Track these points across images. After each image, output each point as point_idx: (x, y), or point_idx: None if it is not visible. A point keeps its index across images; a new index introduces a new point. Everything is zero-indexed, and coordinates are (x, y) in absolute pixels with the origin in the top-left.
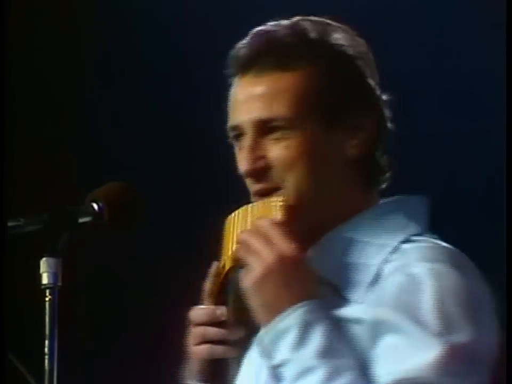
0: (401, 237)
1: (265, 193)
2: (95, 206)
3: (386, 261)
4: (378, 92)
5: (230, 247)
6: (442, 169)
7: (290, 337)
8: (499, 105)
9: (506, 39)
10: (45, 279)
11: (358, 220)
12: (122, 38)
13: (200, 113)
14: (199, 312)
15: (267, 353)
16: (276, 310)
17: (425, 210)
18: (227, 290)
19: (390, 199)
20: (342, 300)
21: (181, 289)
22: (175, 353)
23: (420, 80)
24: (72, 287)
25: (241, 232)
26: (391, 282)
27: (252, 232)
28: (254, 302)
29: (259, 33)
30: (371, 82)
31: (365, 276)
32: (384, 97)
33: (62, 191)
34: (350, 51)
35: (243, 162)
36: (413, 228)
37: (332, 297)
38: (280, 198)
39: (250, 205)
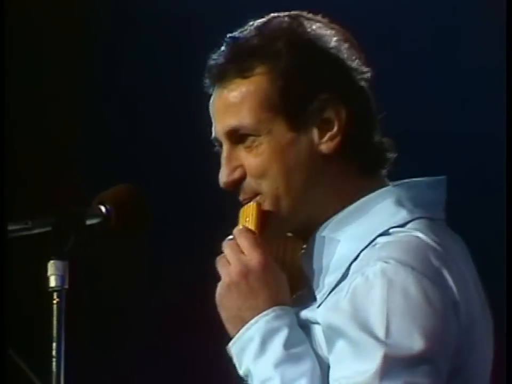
0: (380, 230)
1: (247, 202)
2: (103, 208)
3: (356, 259)
4: (360, 75)
5: None
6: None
7: (253, 347)
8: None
9: (506, 40)
10: (52, 282)
11: (343, 214)
12: (128, 38)
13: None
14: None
15: (237, 363)
16: (242, 320)
17: (436, 193)
18: None
19: (393, 184)
20: (313, 302)
21: (187, 291)
22: (181, 356)
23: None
24: (79, 289)
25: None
26: (349, 283)
27: (228, 241)
28: (221, 315)
29: (227, 42)
30: (348, 68)
31: (333, 277)
32: (363, 81)
33: (69, 193)
34: (319, 42)
35: (221, 175)
36: (398, 219)
37: (309, 297)
38: (253, 203)
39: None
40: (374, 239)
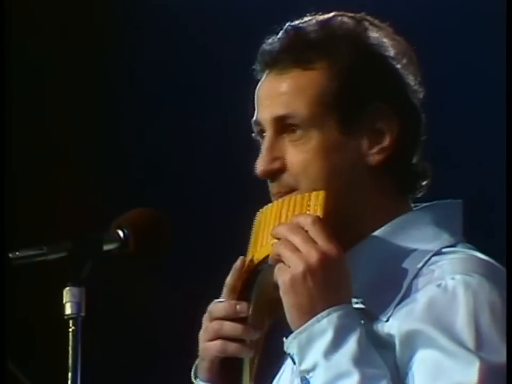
0: (433, 249)
1: (281, 195)
2: (120, 232)
3: (416, 276)
4: (414, 93)
5: (260, 241)
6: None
7: (325, 341)
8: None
9: (506, 42)
10: (68, 309)
11: (386, 231)
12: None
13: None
14: (218, 305)
15: (300, 355)
16: (310, 311)
17: (459, 217)
18: (251, 287)
19: (420, 206)
20: (369, 316)
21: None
22: None
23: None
24: (95, 316)
25: (279, 226)
26: (422, 295)
27: (292, 227)
28: (289, 300)
29: (287, 30)
30: (405, 83)
31: (394, 294)
32: (418, 99)
33: (86, 218)
34: (379, 50)
35: (260, 163)
36: (445, 239)
37: (360, 311)
38: (322, 191)
39: (284, 198)
40: (430, 258)
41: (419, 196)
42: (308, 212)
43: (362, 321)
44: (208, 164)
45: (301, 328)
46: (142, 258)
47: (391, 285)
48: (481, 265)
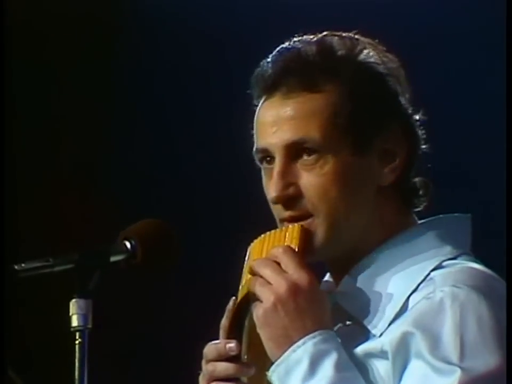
0: (433, 264)
1: (294, 220)
2: (128, 244)
3: (414, 291)
4: (410, 110)
5: (244, 277)
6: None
7: (301, 370)
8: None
9: (506, 41)
10: (74, 322)
11: (388, 247)
12: (155, 68)
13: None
14: (210, 347)
15: None
16: (287, 341)
17: (465, 229)
18: (241, 324)
19: (424, 220)
20: (365, 334)
21: (214, 330)
22: None
23: None
24: (102, 329)
25: (254, 261)
26: (414, 309)
27: (264, 261)
28: (265, 334)
29: (284, 51)
30: (402, 100)
31: (390, 311)
32: (416, 116)
33: (92, 229)
34: (380, 69)
35: (273, 188)
36: (446, 252)
37: (355, 329)
38: (297, 225)
39: (268, 233)
40: (429, 273)
41: (420, 209)
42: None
43: (353, 339)
44: (219, 173)
45: (278, 360)
46: (149, 270)
47: (389, 301)
48: (473, 276)
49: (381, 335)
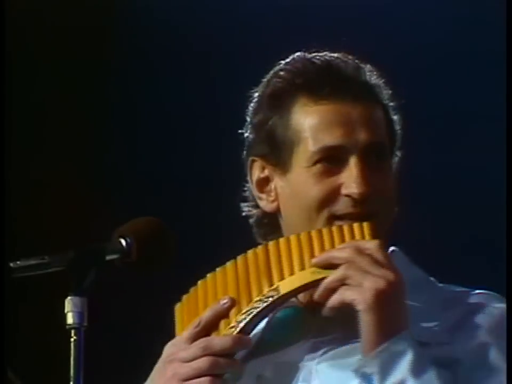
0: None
1: (360, 218)
2: (123, 242)
3: (455, 303)
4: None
5: (287, 270)
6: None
7: (409, 358)
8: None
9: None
10: (70, 319)
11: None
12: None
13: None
14: (203, 317)
15: (382, 373)
16: (391, 330)
17: None
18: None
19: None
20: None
21: None
22: None
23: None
24: (98, 327)
25: (335, 251)
26: (478, 320)
27: (356, 251)
28: (373, 317)
29: (336, 62)
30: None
31: (449, 318)
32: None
33: (88, 227)
34: (385, 93)
35: (357, 184)
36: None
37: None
38: (369, 222)
39: (324, 228)
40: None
41: None
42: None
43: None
44: (213, 173)
45: (382, 347)
46: (145, 268)
47: (437, 312)
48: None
49: (447, 343)
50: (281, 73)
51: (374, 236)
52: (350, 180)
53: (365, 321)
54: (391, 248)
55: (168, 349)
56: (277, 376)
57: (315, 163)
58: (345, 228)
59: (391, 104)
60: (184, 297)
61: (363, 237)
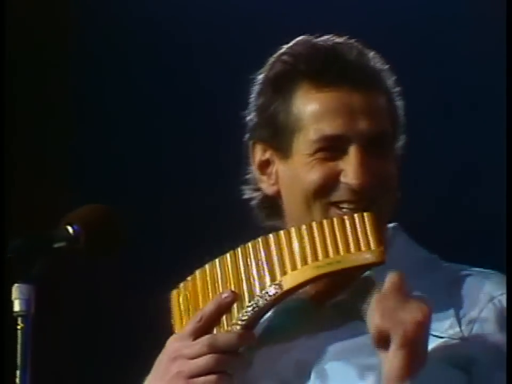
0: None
1: (358, 205)
2: (70, 229)
3: (462, 295)
4: None
5: (290, 263)
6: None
7: None
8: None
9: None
10: (16, 306)
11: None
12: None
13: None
14: (205, 309)
15: None
16: (417, 363)
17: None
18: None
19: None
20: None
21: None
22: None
23: None
24: (49, 314)
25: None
26: (487, 313)
27: (397, 286)
28: (410, 349)
29: (339, 48)
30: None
31: (458, 307)
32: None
33: (38, 213)
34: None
35: (355, 174)
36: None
37: None
38: (369, 212)
39: (325, 220)
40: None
41: None
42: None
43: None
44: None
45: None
46: (94, 255)
47: (443, 299)
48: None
49: (460, 338)
50: (284, 57)
51: (375, 226)
52: (349, 168)
53: (394, 356)
54: (391, 225)
55: (171, 344)
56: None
57: (315, 151)
58: (347, 219)
59: (395, 90)
60: (181, 284)
61: (364, 228)
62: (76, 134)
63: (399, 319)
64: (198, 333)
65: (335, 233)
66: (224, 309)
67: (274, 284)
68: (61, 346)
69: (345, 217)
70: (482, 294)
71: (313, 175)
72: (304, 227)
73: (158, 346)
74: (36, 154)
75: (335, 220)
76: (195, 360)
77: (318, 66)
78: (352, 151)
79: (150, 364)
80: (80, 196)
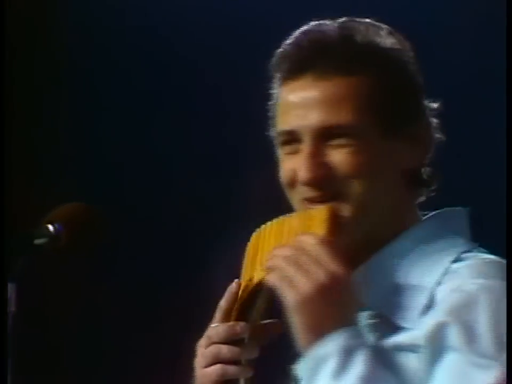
0: (451, 256)
1: (322, 201)
2: (51, 227)
3: (439, 283)
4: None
5: (259, 261)
6: None
7: (331, 365)
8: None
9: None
10: None
11: (406, 238)
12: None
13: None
14: (217, 329)
15: (309, 379)
16: (319, 331)
17: (468, 224)
18: (250, 308)
19: (433, 213)
20: (391, 327)
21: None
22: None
23: None
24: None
25: (281, 246)
26: (446, 302)
27: (297, 247)
28: (298, 321)
29: (309, 34)
30: (422, 85)
31: (418, 300)
32: (432, 104)
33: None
34: (403, 56)
35: (304, 170)
36: (462, 245)
37: (379, 323)
38: (325, 206)
39: (284, 217)
40: (449, 266)
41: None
42: (310, 230)
43: (378, 333)
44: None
45: (308, 351)
46: (75, 253)
47: (414, 293)
48: (498, 269)
49: (413, 328)
50: (278, 50)
51: (330, 221)
52: (299, 165)
53: (292, 324)
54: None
55: (199, 347)
56: None
57: (281, 146)
58: (302, 214)
59: (402, 68)
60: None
61: (312, 227)
62: (70, 130)
63: (291, 286)
64: (215, 334)
65: (303, 226)
66: (233, 300)
67: (249, 280)
68: (42, 345)
69: (298, 213)
70: (449, 279)
71: (282, 172)
72: (276, 222)
73: (141, 342)
74: (29, 154)
75: (288, 216)
76: (205, 370)
77: (289, 59)
78: (303, 146)
79: (136, 360)
80: (74, 195)
